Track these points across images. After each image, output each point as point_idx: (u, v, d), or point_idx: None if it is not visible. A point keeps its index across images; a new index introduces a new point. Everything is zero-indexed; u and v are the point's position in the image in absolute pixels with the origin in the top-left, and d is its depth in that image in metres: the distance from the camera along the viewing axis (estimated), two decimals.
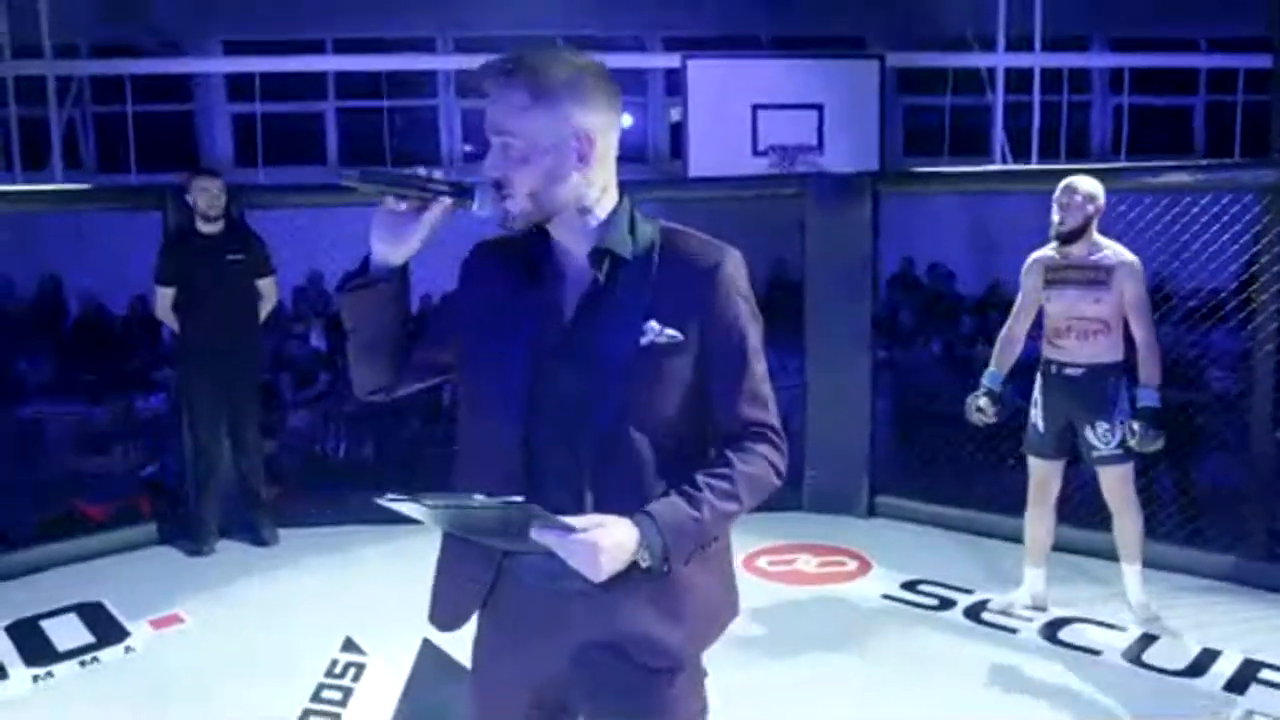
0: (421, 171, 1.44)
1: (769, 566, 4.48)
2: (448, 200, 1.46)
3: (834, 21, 10.03)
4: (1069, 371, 3.71)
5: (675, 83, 8.33)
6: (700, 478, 1.49)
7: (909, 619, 3.97)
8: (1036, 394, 3.82)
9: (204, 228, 4.66)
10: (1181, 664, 3.51)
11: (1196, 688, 3.37)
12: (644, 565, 1.43)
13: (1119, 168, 4.07)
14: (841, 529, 4.93)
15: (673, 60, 8.44)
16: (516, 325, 1.52)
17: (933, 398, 6.81)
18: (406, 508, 1.41)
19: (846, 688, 3.39)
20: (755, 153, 7.72)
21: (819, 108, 7.83)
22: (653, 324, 1.48)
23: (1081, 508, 4.66)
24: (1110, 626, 3.80)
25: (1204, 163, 4.29)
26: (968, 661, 3.61)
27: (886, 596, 4.17)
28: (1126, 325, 3.66)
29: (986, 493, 5.10)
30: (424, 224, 1.46)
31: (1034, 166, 8.07)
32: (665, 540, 1.43)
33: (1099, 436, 3.67)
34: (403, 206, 1.45)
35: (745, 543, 4.66)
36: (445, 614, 1.64)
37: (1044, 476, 3.84)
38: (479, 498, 1.34)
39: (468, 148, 10.93)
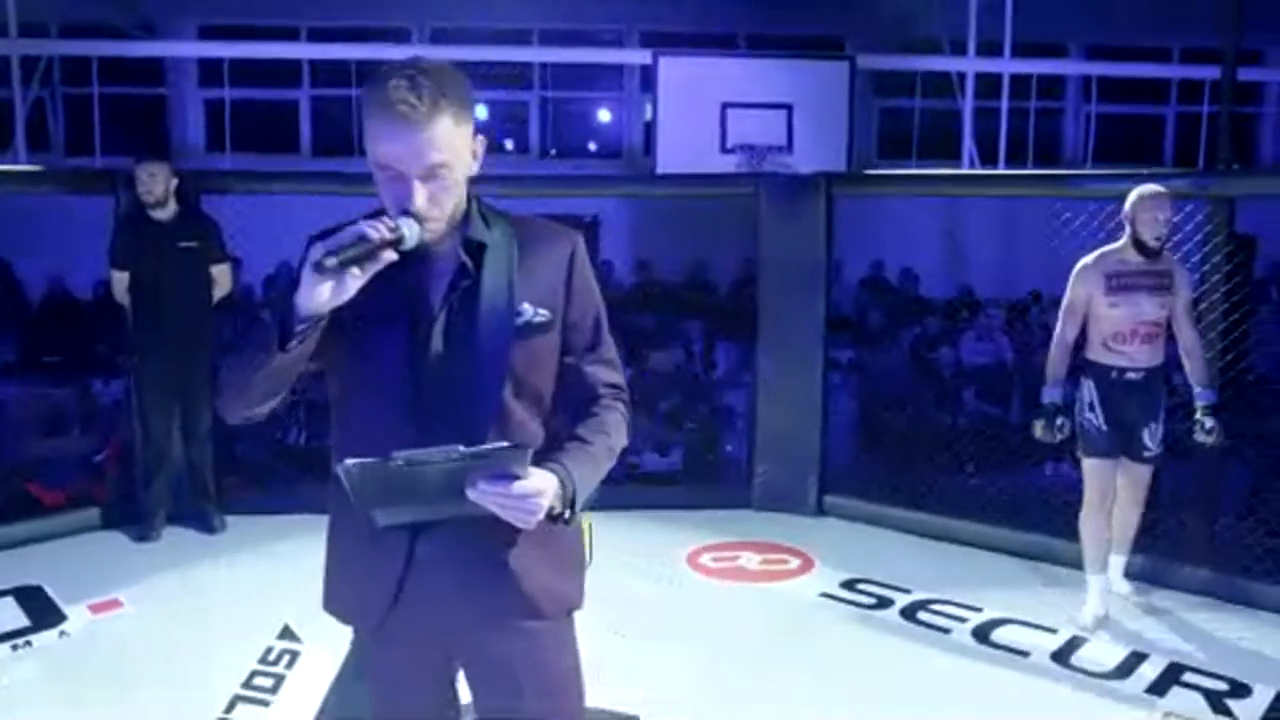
0: (372, 234, 1.43)
1: (712, 563, 4.51)
2: (394, 254, 1.46)
3: (813, 21, 10.06)
4: (1131, 376, 3.76)
5: (651, 78, 8.35)
6: (585, 434, 1.63)
7: (845, 617, 4.00)
8: (1092, 399, 3.81)
9: (154, 213, 4.63)
10: (1108, 666, 3.55)
11: (1119, 689, 3.42)
12: (554, 512, 1.53)
13: (1073, 175, 4.10)
14: (788, 527, 4.96)
15: (649, 56, 8.45)
16: (390, 320, 1.57)
17: (894, 399, 6.88)
18: (361, 472, 1.43)
19: (776, 684, 3.42)
20: (724, 150, 7.77)
21: (788, 108, 7.88)
22: (526, 305, 1.59)
23: (1032, 513, 4.73)
24: (1041, 628, 3.84)
25: (1146, 171, 4.32)
26: (898, 660, 3.64)
27: (825, 595, 4.20)
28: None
29: (935, 494, 5.16)
30: (368, 275, 1.46)
31: (992, 172, 8.12)
32: (575, 487, 1.55)
33: (1151, 436, 3.81)
34: (357, 271, 1.44)
35: (691, 539, 4.70)
36: (354, 608, 1.71)
37: (1108, 479, 3.85)
38: (462, 449, 1.40)
39: None
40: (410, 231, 1.48)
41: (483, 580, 1.60)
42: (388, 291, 1.55)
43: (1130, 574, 4.18)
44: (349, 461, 1.41)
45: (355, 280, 1.44)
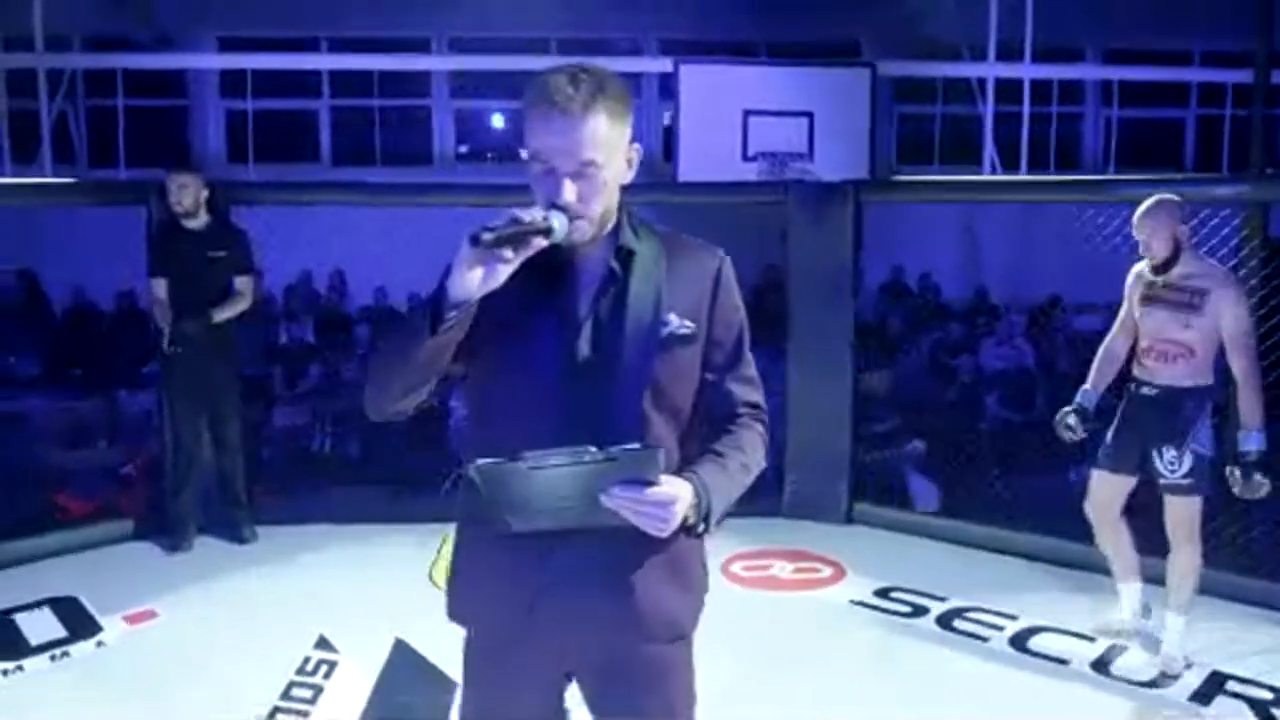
0: (526, 218, 1.44)
1: (744, 572, 4.50)
2: (544, 241, 1.47)
3: (831, 28, 10.06)
4: (1145, 391, 3.55)
5: (670, 86, 8.35)
6: (721, 448, 1.62)
7: (880, 625, 3.99)
8: (1119, 408, 3.68)
9: (187, 223, 4.66)
10: (1149, 675, 3.53)
11: (1163, 698, 3.39)
12: (688, 523, 1.51)
13: (1101, 180, 4.04)
14: (819, 535, 4.94)
15: (668, 64, 8.45)
16: (540, 325, 1.58)
17: (914, 405, 6.85)
18: (492, 475, 1.43)
19: (813, 693, 3.41)
20: (745, 158, 7.75)
21: (810, 115, 7.86)
22: (672, 316, 1.60)
23: (1063, 520, 4.70)
24: (1080, 636, 3.82)
25: (1180, 177, 4.29)
26: (936, 668, 3.62)
27: (859, 603, 4.18)
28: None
29: (964, 501, 5.14)
30: (517, 262, 1.46)
31: (1017, 177, 8.10)
32: (710, 498, 1.53)
33: (1165, 464, 3.47)
34: (509, 254, 1.44)
35: (722, 547, 4.67)
36: (485, 615, 1.68)
37: (1103, 492, 3.67)
38: (594, 450, 1.39)
39: (462, 148, 10.94)
40: (559, 224, 1.49)
41: (608, 599, 1.60)
42: (537, 295, 1.57)
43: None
44: (480, 461, 1.42)
45: (505, 267, 1.44)
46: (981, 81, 8.99)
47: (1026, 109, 8.93)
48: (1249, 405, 3.37)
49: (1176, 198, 3.53)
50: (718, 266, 1.66)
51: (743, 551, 4.68)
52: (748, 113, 7.75)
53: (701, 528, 1.54)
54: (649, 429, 1.59)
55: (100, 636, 3.83)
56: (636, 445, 1.42)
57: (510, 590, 1.61)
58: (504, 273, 1.45)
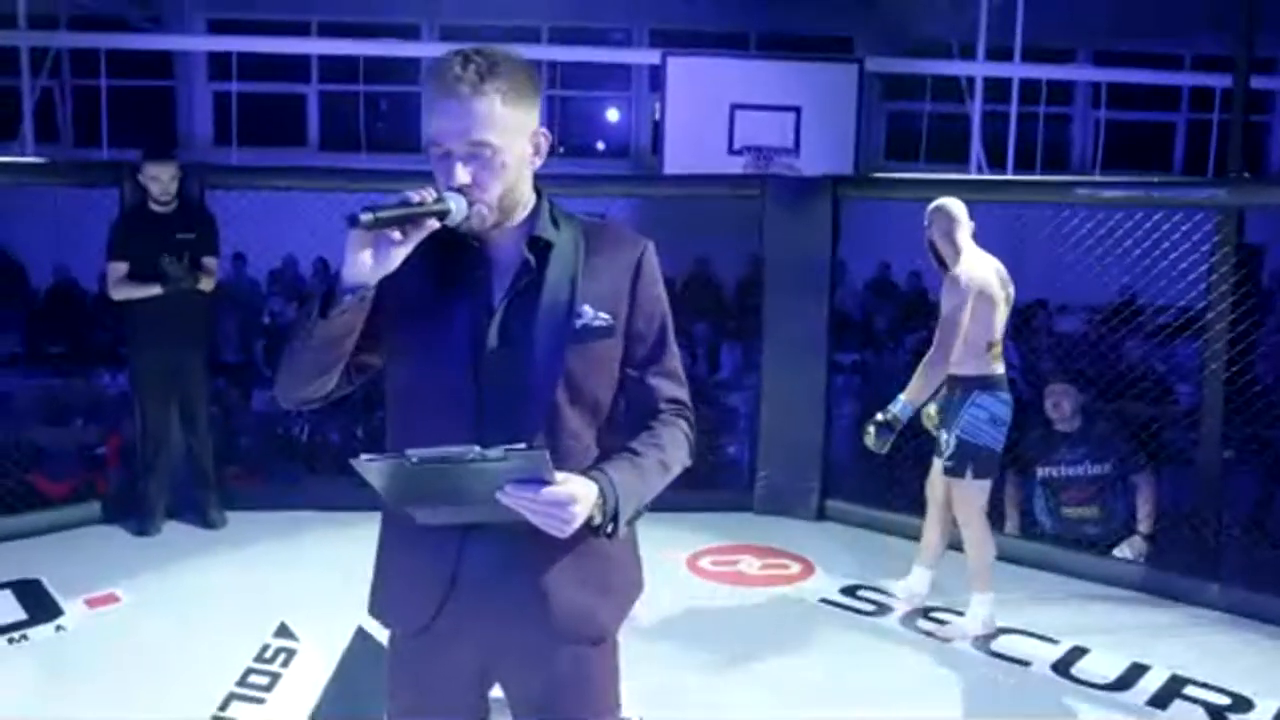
0: (414, 198, 1.41)
1: (711, 566, 4.49)
2: (436, 222, 1.45)
3: (823, 22, 10.05)
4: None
5: (660, 78, 8.33)
6: (637, 446, 1.58)
7: (844, 623, 3.98)
8: None
9: (155, 208, 4.64)
10: (1109, 678, 3.53)
11: (1120, 701, 3.39)
12: (594, 523, 1.47)
13: (1075, 181, 4.03)
14: (789, 531, 4.93)
15: (658, 56, 8.43)
16: (452, 317, 1.55)
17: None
18: (377, 470, 1.40)
19: (773, 689, 3.40)
20: (731, 152, 7.75)
21: (797, 110, 7.85)
22: (586, 308, 1.55)
23: (1031, 520, 4.72)
24: (1042, 638, 3.81)
25: (1155, 179, 4.29)
26: (895, 667, 3.62)
27: (825, 600, 4.18)
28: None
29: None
30: (411, 244, 1.43)
31: (1001, 177, 8.08)
32: (618, 497, 1.49)
33: (942, 446, 3.75)
34: (398, 235, 1.41)
35: (691, 541, 4.68)
36: (398, 614, 1.67)
37: (931, 475, 3.96)
38: (478, 449, 1.35)
39: None
40: (457, 206, 1.46)
41: (519, 598, 1.56)
42: (450, 284, 1.55)
43: (1133, 585, 4.13)
44: (363, 456, 1.39)
45: (398, 249, 1.41)
46: (970, 80, 8.97)
47: (1014, 108, 8.92)
48: (915, 380, 3.61)
49: (947, 203, 3.89)
50: (638, 256, 1.62)
51: (711, 546, 4.67)
52: (735, 106, 7.74)
53: (610, 528, 1.50)
54: (563, 426, 1.55)
55: (60, 620, 3.81)
56: (522, 445, 1.37)
57: (422, 588, 1.59)
58: (398, 255, 1.41)
